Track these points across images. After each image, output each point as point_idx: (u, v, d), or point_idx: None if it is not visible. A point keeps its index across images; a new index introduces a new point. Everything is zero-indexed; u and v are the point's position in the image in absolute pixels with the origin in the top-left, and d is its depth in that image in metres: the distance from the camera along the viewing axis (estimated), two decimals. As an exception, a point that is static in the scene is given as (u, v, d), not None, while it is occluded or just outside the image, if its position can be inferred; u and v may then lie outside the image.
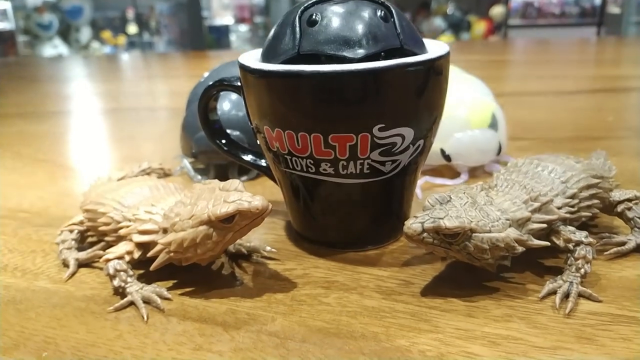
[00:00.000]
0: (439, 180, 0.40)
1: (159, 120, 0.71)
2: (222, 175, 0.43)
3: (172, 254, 0.27)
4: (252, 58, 0.30)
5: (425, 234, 0.25)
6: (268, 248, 0.31)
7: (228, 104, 0.43)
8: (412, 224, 0.25)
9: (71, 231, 0.32)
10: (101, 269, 0.30)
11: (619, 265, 0.28)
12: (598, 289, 0.26)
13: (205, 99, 0.33)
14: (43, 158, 0.53)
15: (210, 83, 0.32)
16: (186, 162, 0.45)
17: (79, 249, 0.32)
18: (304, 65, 0.25)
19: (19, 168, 0.51)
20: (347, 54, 0.26)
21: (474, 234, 0.24)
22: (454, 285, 0.27)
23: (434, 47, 0.29)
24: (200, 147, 0.43)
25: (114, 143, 0.60)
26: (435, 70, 0.27)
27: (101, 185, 0.37)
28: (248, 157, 0.35)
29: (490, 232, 0.25)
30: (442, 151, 0.40)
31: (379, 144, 0.27)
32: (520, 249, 0.25)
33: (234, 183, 0.27)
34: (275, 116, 0.27)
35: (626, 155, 0.44)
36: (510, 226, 0.25)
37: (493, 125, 0.41)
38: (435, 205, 0.26)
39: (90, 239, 0.32)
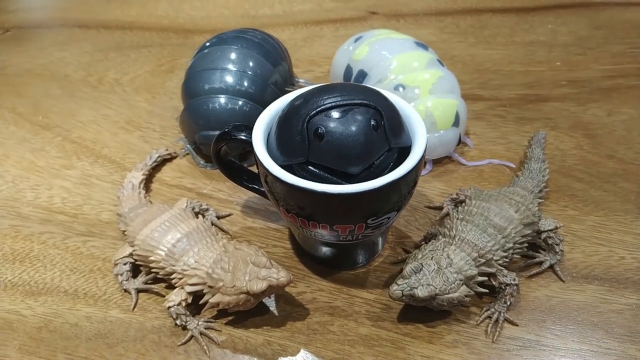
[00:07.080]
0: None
1: (148, 56, 0.71)
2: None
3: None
4: (263, 135, 0.36)
5: (403, 297, 0.35)
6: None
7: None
8: (395, 290, 0.35)
9: (124, 263, 0.40)
10: (157, 294, 0.40)
11: (535, 284, 0.40)
12: (517, 311, 0.38)
13: (215, 151, 0.39)
14: (44, 123, 0.57)
15: (217, 135, 0.38)
16: (190, 149, 0.51)
17: (133, 274, 0.41)
18: (315, 184, 0.32)
19: (27, 139, 0.55)
20: (348, 169, 0.33)
21: (437, 296, 0.35)
22: (420, 309, 0.38)
23: (414, 127, 0.36)
24: (204, 142, 0.48)
25: (104, 95, 0.62)
26: (416, 169, 0.34)
27: (130, 199, 0.44)
28: None
29: (449, 293, 0.35)
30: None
31: (371, 226, 0.35)
32: (469, 300, 0.36)
33: (263, 260, 0.35)
34: (289, 205, 0.35)
35: (562, 129, 0.53)
36: (463, 284, 0.36)
37: (456, 123, 0.48)
38: (411, 275, 0.35)
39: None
